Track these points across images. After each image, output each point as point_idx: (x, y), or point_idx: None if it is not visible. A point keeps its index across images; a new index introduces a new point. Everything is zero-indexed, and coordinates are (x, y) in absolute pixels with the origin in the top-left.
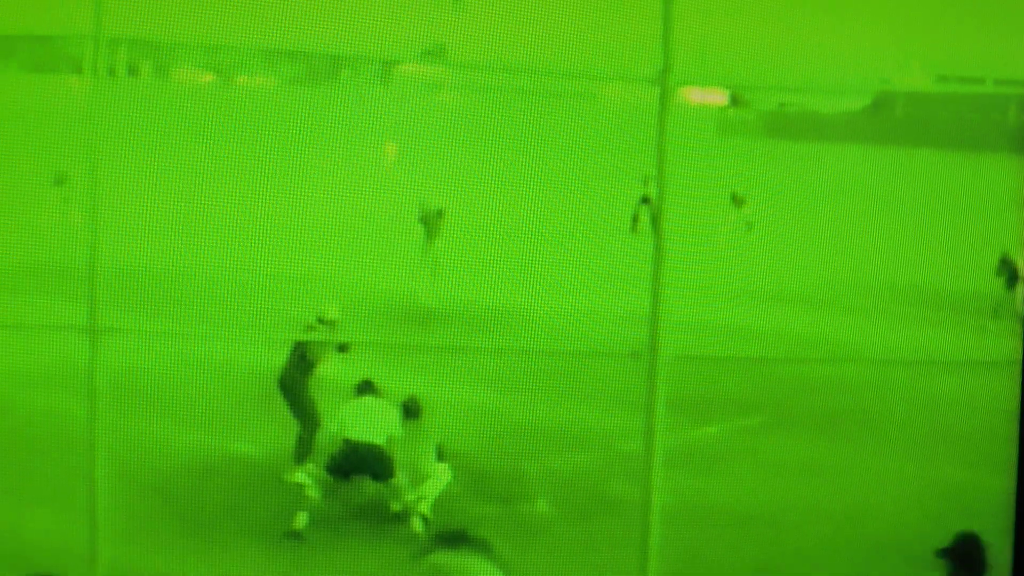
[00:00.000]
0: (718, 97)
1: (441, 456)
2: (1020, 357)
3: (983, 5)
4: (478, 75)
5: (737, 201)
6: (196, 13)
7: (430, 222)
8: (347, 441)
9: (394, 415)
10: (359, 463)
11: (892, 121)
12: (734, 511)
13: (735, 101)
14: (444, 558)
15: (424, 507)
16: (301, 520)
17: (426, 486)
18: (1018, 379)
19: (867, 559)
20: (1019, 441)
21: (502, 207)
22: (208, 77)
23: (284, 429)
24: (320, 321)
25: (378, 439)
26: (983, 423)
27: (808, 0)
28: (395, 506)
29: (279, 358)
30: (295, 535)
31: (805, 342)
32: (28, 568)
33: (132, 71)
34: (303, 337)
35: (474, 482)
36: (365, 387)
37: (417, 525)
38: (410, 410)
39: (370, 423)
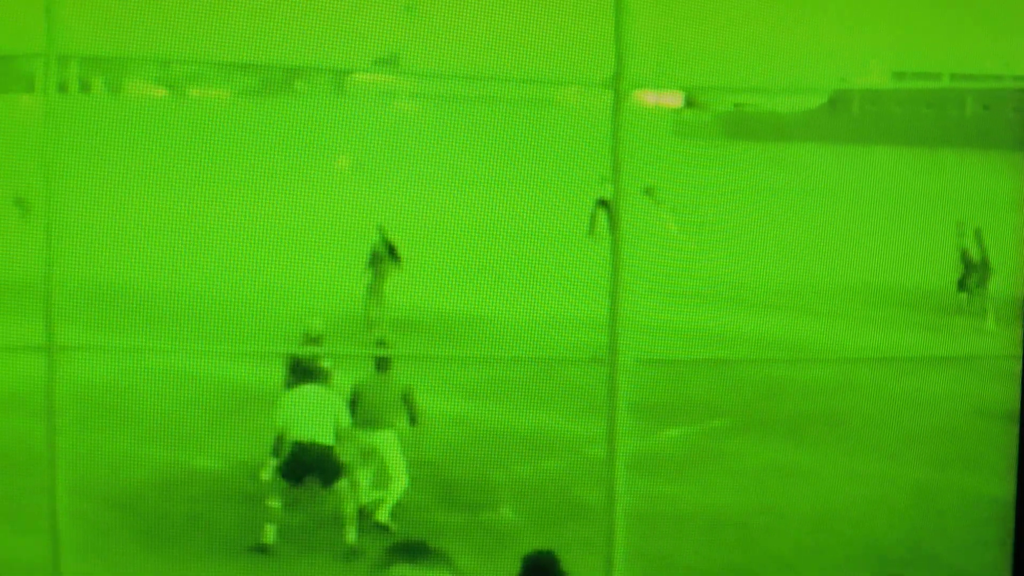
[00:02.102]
0: (673, 99)
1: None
2: (992, 353)
3: (938, 1)
4: (432, 83)
5: (650, 192)
6: (147, 27)
7: (379, 263)
8: (296, 443)
9: (340, 406)
10: (310, 465)
11: (849, 119)
12: (701, 515)
13: (690, 103)
14: (404, 571)
15: (383, 514)
16: (269, 534)
17: (390, 489)
18: (1017, 378)
19: (837, 562)
20: (1019, 441)
21: (459, 214)
22: (161, 91)
23: (246, 443)
24: (308, 339)
25: (326, 439)
26: (950, 421)
27: (762, 0)
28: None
29: (240, 370)
30: (262, 548)
31: (768, 343)
32: None
33: (84, 87)
34: (296, 351)
35: (438, 490)
36: (303, 373)
37: (351, 535)
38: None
39: (316, 420)
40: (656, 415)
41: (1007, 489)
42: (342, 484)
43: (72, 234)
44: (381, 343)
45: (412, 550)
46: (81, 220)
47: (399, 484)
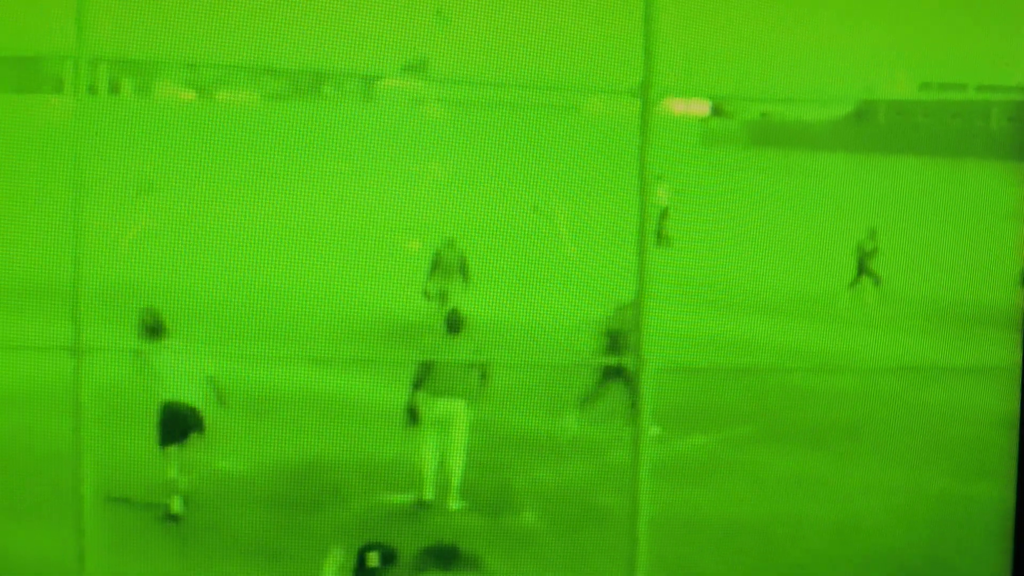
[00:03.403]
0: (700, 108)
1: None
2: (1013, 364)
3: (965, 12)
4: (460, 89)
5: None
6: (177, 31)
7: (447, 275)
8: (166, 405)
9: (202, 365)
10: (181, 425)
11: (875, 129)
12: (723, 522)
13: (717, 112)
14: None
15: (453, 500)
16: (175, 504)
17: (452, 468)
18: (1016, 385)
19: (856, 571)
20: (1019, 446)
21: (486, 220)
22: (190, 94)
23: (270, 445)
24: (146, 326)
25: (192, 398)
26: (975, 432)
27: (790, 10)
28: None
29: (266, 373)
30: (173, 518)
31: (793, 352)
32: None
33: (113, 89)
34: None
35: (462, 495)
36: (152, 331)
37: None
38: (452, 323)
39: (181, 378)
40: (680, 422)
41: None
42: (190, 444)
43: (100, 236)
44: (454, 312)
45: (444, 554)
46: (108, 221)
47: (460, 460)
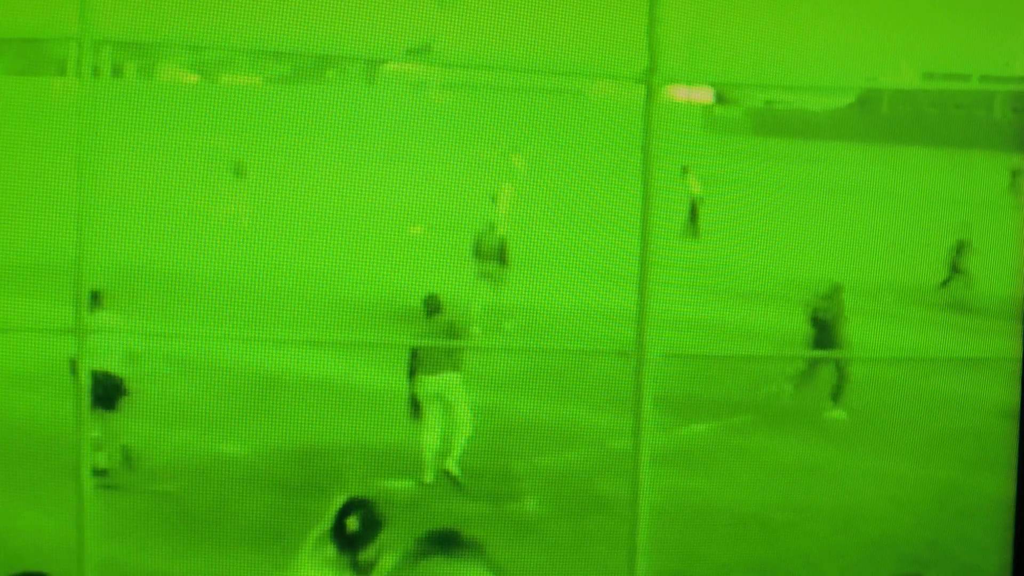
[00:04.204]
0: (704, 95)
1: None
2: (1014, 355)
3: (969, 2)
4: (464, 73)
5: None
6: (181, 13)
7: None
8: (94, 373)
9: (126, 335)
10: (107, 391)
11: (878, 118)
12: (724, 510)
13: (721, 99)
14: (438, 564)
15: (452, 464)
16: (100, 460)
17: (456, 437)
18: (1016, 377)
19: (858, 560)
20: (1019, 440)
21: (489, 205)
22: (193, 77)
23: (272, 429)
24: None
25: (120, 368)
26: (977, 422)
27: None
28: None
29: (267, 356)
30: (101, 472)
31: (794, 340)
32: (18, 566)
33: (117, 72)
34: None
35: (463, 480)
36: (98, 298)
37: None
38: (431, 307)
39: (112, 349)
40: (682, 409)
41: None
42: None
43: (103, 217)
44: (432, 297)
45: (446, 540)
46: (112, 204)
47: (465, 430)
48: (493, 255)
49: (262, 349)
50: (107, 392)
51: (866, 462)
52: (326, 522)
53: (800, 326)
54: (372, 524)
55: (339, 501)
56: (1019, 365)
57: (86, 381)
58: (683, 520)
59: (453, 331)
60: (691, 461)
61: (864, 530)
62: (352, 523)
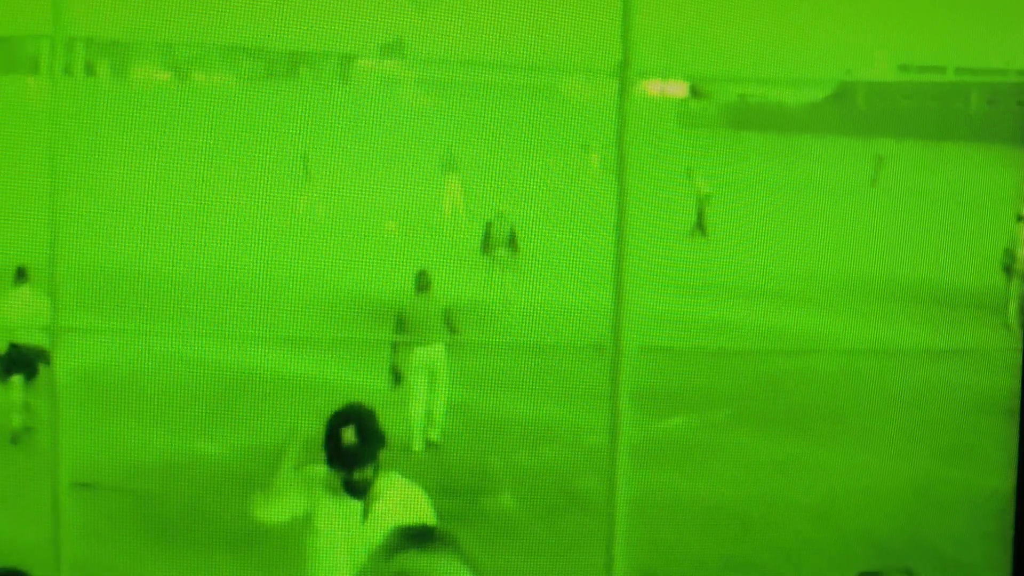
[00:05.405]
0: (678, 89)
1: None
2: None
3: None
4: (438, 70)
5: (690, 175)
6: (153, 11)
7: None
8: (13, 345)
9: (45, 306)
10: (19, 362)
11: (854, 111)
12: (702, 505)
13: (696, 93)
14: (413, 558)
15: (434, 433)
16: (16, 420)
17: (436, 405)
18: (1017, 372)
19: (837, 553)
20: (1019, 437)
21: (463, 201)
22: (165, 75)
23: (249, 428)
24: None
25: (40, 340)
26: (952, 415)
27: None
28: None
29: (242, 354)
30: (14, 438)
31: (771, 334)
32: None
33: (90, 70)
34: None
35: (439, 476)
36: (19, 274)
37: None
38: (421, 284)
39: (23, 320)
40: (658, 404)
41: (1008, 483)
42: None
43: (76, 217)
44: (423, 274)
45: (420, 534)
46: (85, 203)
47: (443, 400)
48: (503, 242)
49: (237, 347)
50: (28, 361)
51: (843, 455)
52: (305, 436)
53: (778, 320)
54: (371, 437)
55: (330, 411)
56: (1003, 356)
57: (61, 380)
58: (660, 515)
59: (443, 314)
60: (668, 456)
61: (843, 524)
62: (348, 435)
